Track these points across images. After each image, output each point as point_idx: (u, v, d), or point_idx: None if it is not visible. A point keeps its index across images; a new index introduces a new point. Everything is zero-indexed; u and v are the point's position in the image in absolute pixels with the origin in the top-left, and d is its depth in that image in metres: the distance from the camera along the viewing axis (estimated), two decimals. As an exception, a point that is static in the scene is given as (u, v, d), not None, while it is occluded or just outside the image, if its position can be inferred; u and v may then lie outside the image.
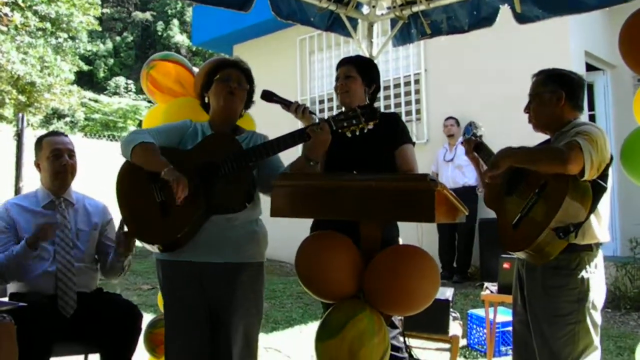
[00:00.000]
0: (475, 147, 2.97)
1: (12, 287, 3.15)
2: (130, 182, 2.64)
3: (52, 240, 3.07)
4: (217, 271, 2.57)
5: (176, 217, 2.47)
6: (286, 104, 2.85)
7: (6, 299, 3.11)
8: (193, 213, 2.47)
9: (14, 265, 2.97)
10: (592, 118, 7.68)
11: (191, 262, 2.57)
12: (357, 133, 2.43)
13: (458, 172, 7.41)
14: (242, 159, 2.50)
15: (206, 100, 2.82)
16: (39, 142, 3.24)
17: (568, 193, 2.39)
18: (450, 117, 7.68)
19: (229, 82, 2.71)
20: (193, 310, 2.60)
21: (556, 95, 2.67)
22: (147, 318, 3.26)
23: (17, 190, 7.40)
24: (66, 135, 3.35)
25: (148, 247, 2.59)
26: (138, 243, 2.85)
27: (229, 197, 2.49)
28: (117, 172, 2.68)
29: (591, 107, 7.85)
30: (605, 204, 2.57)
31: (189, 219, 2.47)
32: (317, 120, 2.79)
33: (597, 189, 2.48)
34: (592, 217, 2.50)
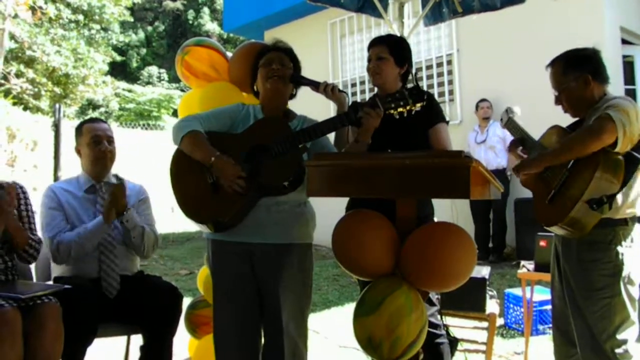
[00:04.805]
0: (521, 143, 2.97)
1: (56, 271, 3.24)
2: (183, 163, 2.67)
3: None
4: (265, 252, 2.61)
5: (227, 198, 2.51)
6: (315, 85, 2.86)
7: (51, 282, 3.21)
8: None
9: (86, 241, 3.06)
10: (632, 92, 7.50)
11: (240, 243, 2.62)
12: (405, 115, 2.42)
13: (491, 153, 7.34)
14: (291, 140, 2.52)
15: (255, 89, 2.87)
16: (79, 128, 3.31)
17: (599, 167, 2.39)
18: (484, 100, 7.57)
19: (270, 66, 2.74)
20: (241, 282, 2.65)
21: (582, 79, 2.65)
22: (185, 302, 3.31)
23: (56, 180, 7.52)
24: (105, 122, 3.42)
25: (200, 227, 2.65)
26: (177, 229, 2.90)
27: (278, 179, 2.51)
28: (172, 155, 2.74)
29: (631, 81, 7.67)
30: None
31: (239, 199, 2.51)
32: (348, 98, 2.82)
33: (631, 161, 2.47)
34: (627, 190, 2.50)
